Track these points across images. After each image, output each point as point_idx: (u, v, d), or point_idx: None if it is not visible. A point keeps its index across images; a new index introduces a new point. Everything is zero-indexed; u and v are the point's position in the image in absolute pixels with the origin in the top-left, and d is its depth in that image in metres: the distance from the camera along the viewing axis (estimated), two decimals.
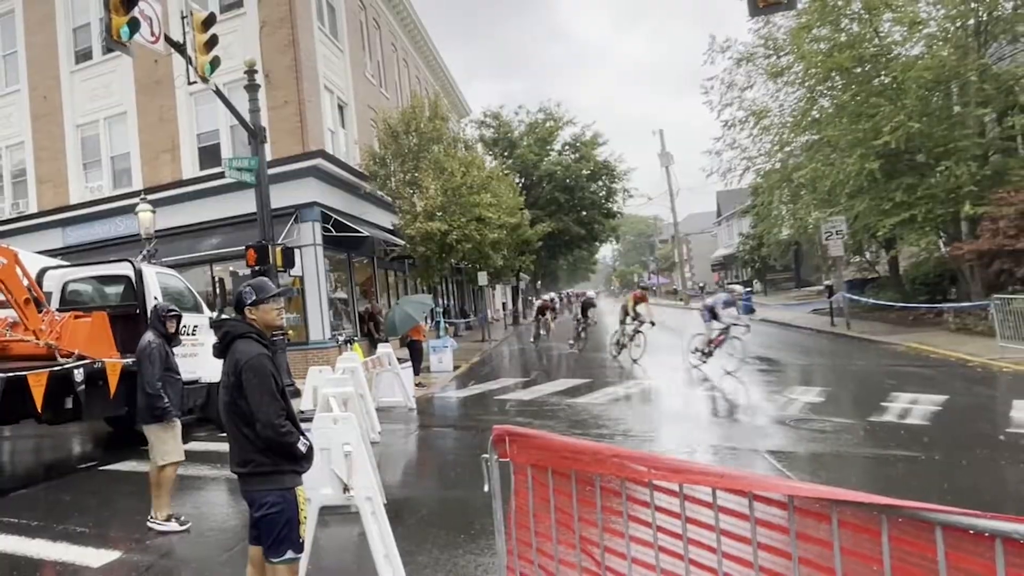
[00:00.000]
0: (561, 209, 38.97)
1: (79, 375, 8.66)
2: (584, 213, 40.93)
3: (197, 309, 10.96)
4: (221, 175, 15.10)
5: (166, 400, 5.90)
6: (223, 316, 5.60)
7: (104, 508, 7.00)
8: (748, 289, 36.08)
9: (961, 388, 10.44)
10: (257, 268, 12.32)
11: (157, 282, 10.53)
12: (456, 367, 17.73)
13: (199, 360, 10.20)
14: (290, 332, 16.53)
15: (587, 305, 22.51)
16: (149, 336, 6.19)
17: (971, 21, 17.05)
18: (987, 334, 14.18)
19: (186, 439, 8.41)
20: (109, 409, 9.75)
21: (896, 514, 1.81)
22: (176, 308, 6.60)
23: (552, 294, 40.39)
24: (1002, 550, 1.60)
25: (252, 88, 12.77)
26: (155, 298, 10.32)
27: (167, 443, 6.00)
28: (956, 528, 1.69)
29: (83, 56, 20.28)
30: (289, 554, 3.27)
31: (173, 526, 6.03)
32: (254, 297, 3.43)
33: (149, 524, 6.06)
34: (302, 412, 3.83)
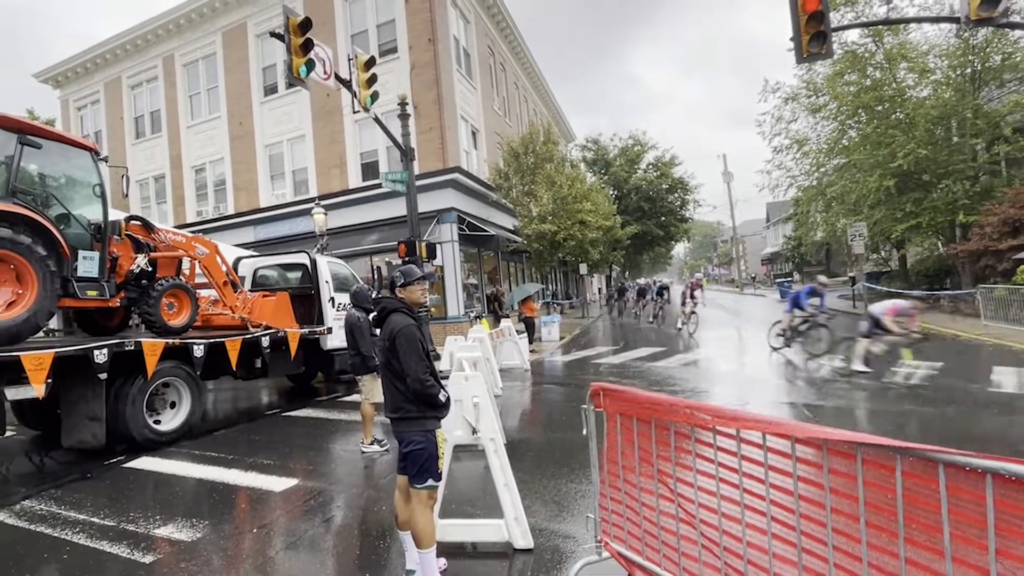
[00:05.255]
0: (645, 215, 42.33)
1: (266, 341, 9.42)
2: (663, 218, 44.18)
3: None
4: (379, 186, 15.93)
5: (375, 360, 6.52)
6: (380, 295, 6.10)
7: (285, 445, 7.38)
8: (789, 279, 38.93)
9: (953, 357, 11.06)
10: (407, 259, 12.91)
11: (328, 269, 11.21)
12: (561, 338, 18.24)
13: None
14: (432, 309, 17.44)
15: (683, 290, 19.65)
16: (355, 312, 6.72)
17: (968, 70, 18.66)
18: (974, 315, 15.73)
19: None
20: (289, 368, 10.41)
21: (908, 454, 1.93)
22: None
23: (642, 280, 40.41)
24: (991, 483, 1.73)
25: (403, 117, 13.30)
26: (326, 282, 10.99)
27: (374, 388, 6.67)
28: (955, 465, 1.81)
29: (270, 90, 21.78)
30: (430, 482, 3.43)
31: (376, 448, 6.79)
32: (402, 280, 3.65)
33: (360, 447, 6.86)
34: (441, 372, 4.12)
